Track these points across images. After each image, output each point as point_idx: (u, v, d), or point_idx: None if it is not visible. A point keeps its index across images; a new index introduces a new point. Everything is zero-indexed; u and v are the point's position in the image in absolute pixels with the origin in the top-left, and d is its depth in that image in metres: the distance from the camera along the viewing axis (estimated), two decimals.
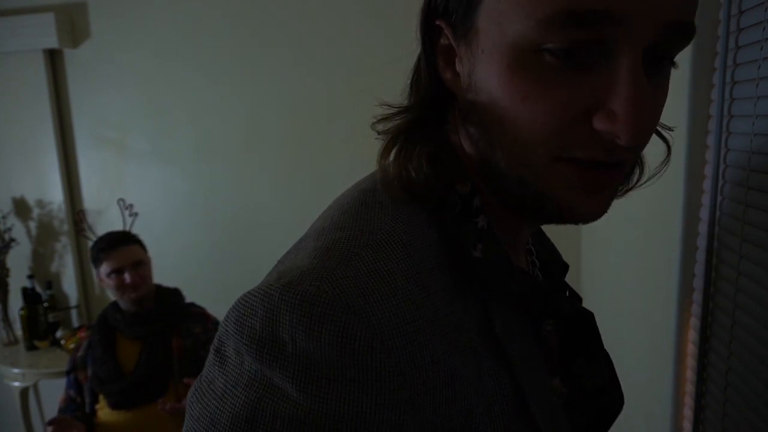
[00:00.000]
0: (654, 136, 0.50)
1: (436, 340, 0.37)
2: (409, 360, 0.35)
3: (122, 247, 1.73)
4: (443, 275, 0.40)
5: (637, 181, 0.52)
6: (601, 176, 0.39)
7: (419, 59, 0.47)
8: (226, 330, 0.38)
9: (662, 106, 0.40)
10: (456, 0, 0.40)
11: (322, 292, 0.35)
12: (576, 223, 0.42)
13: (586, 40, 0.35)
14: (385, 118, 0.45)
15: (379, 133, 0.46)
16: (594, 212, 0.41)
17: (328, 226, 0.42)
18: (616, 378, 0.53)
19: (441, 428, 0.37)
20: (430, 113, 0.46)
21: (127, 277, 1.69)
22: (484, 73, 0.39)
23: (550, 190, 0.40)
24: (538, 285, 0.46)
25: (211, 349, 0.39)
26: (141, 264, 1.74)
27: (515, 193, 0.42)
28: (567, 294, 0.57)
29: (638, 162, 0.51)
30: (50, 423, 1.56)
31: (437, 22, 0.43)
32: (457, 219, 0.43)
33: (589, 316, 0.51)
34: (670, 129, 0.52)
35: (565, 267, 0.61)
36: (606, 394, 0.52)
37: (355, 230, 0.40)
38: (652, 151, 0.52)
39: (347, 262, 0.37)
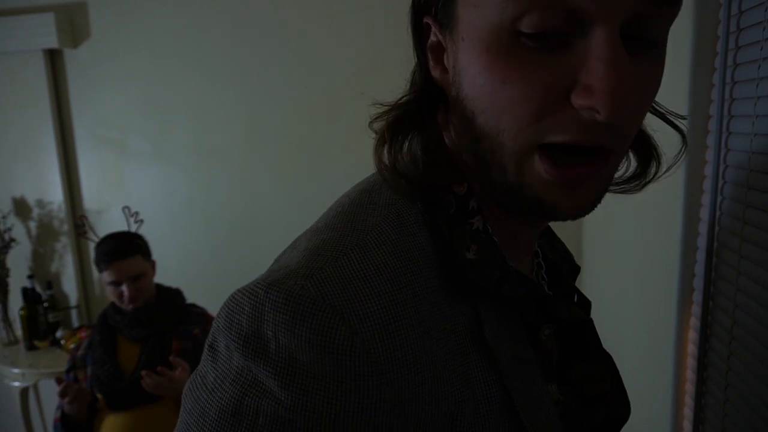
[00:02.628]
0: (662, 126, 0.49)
1: (421, 341, 0.37)
2: (390, 360, 0.35)
3: (123, 260, 1.69)
4: (433, 276, 0.40)
5: (656, 173, 0.51)
6: (572, 171, 0.38)
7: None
8: (218, 326, 0.39)
9: (650, 91, 0.39)
10: None
11: (305, 291, 0.36)
12: (559, 219, 0.41)
13: (558, 18, 0.34)
14: (378, 117, 0.45)
15: (375, 132, 0.46)
16: (573, 208, 0.40)
17: (322, 227, 0.43)
18: (622, 385, 0.52)
19: (426, 429, 0.36)
20: (419, 110, 0.45)
21: (125, 290, 1.68)
22: (466, 60, 0.39)
23: (528, 185, 0.39)
24: (535, 289, 0.45)
25: (206, 344, 0.40)
26: (141, 277, 1.71)
27: (500, 188, 0.41)
28: (575, 298, 0.56)
29: (654, 154, 0.50)
30: (60, 387, 1.57)
31: (425, 20, 0.43)
32: (451, 220, 0.42)
33: (588, 324, 0.50)
34: (682, 117, 0.51)
35: (576, 269, 0.60)
36: (606, 402, 0.50)
37: (346, 230, 0.41)
38: (666, 141, 0.51)
39: (334, 262, 0.38)
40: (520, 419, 0.41)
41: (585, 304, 0.57)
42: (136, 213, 2.22)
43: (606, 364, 0.52)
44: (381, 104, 0.46)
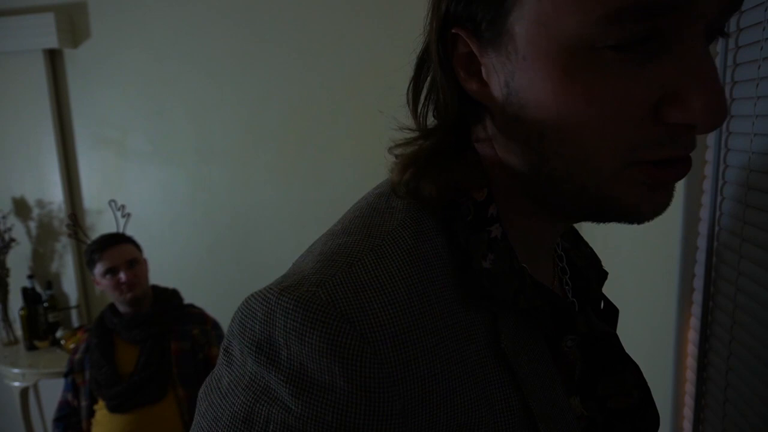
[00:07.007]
0: None
1: (435, 351, 0.36)
2: (402, 371, 0.34)
3: (116, 246, 1.72)
4: (449, 285, 0.39)
5: None
6: (671, 174, 0.36)
7: (418, 70, 0.44)
8: (232, 330, 0.38)
9: None
10: (483, 4, 0.37)
11: (316, 298, 0.35)
12: (637, 222, 0.39)
13: (648, 31, 0.32)
14: (404, 144, 0.43)
15: (396, 157, 0.44)
16: (658, 208, 0.39)
17: (338, 230, 0.42)
18: (650, 397, 0.51)
19: None
20: (453, 137, 0.43)
21: (122, 275, 1.68)
22: (529, 81, 0.36)
23: (617, 193, 0.37)
24: (553, 299, 0.44)
25: (221, 348, 0.40)
26: (135, 262, 1.73)
27: (575, 200, 0.39)
28: (602, 305, 0.55)
29: None
30: None
31: (453, 31, 0.40)
32: (469, 227, 0.41)
33: (611, 336, 0.49)
34: None
35: (603, 274, 0.58)
36: (633, 416, 0.49)
37: (362, 236, 0.40)
38: None
39: (348, 268, 0.37)
40: None
41: (612, 311, 0.55)
42: (123, 206, 2.23)
43: (634, 377, 0.50)
44: (409, 129, 0.43)
